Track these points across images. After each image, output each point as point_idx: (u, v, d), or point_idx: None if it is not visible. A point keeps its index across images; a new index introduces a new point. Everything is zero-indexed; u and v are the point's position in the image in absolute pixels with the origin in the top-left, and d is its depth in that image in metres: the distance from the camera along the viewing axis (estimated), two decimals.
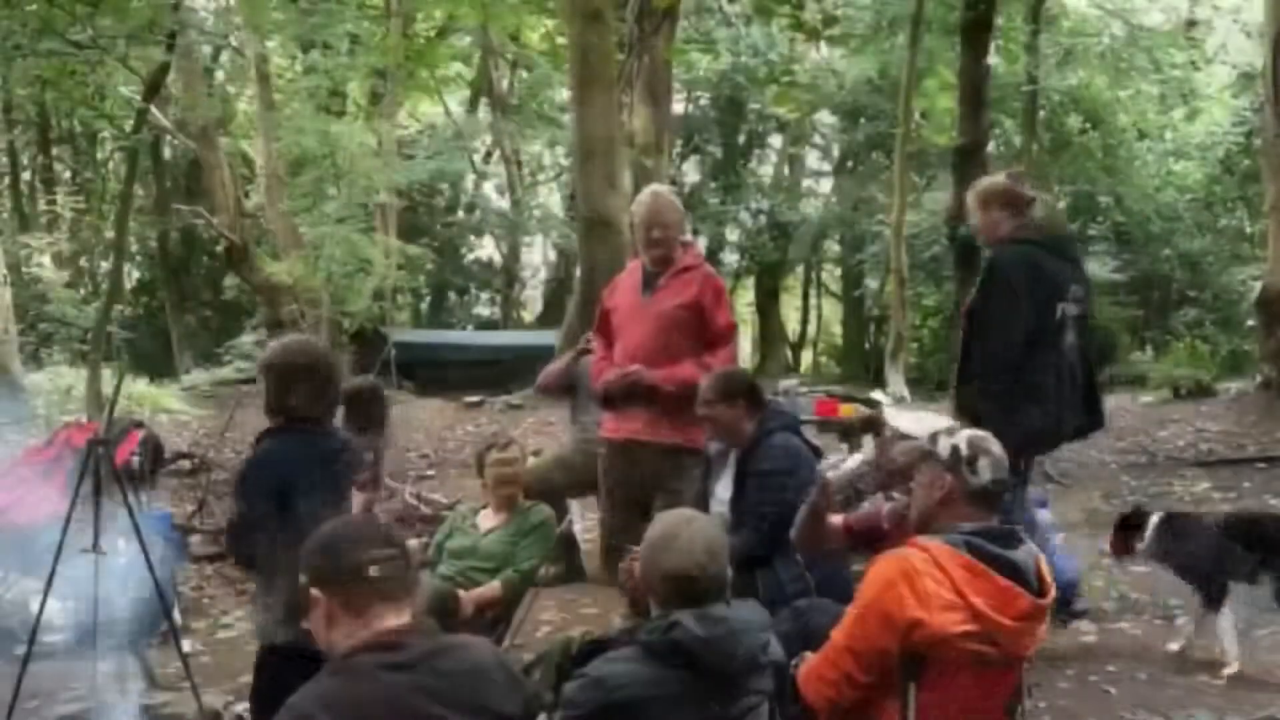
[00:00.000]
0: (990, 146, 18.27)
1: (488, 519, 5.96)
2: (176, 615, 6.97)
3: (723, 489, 5.56)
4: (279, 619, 4.02)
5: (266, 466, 4.18)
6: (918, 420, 4.71)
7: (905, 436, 4.67)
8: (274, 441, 4.27)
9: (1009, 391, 5.49)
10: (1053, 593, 3.46)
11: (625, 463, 5.93)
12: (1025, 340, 5.55)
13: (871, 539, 3.94)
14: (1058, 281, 5.73)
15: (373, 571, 2.73)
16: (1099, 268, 24.92)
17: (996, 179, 6.16)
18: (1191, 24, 25.70)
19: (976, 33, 12.40)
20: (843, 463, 4.93)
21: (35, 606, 4.73)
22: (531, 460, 7.33)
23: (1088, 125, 28.38)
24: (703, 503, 5.38)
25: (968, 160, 12.16)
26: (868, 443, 4.88)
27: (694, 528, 3.26)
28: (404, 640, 2.70)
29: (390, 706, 2.58)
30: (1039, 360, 5.58)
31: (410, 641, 2.70)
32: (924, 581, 3.28)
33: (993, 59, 18.26)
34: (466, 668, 2.73)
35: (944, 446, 3.56)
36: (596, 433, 6.47)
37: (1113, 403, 17.67)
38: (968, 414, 5.20)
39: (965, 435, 3.57)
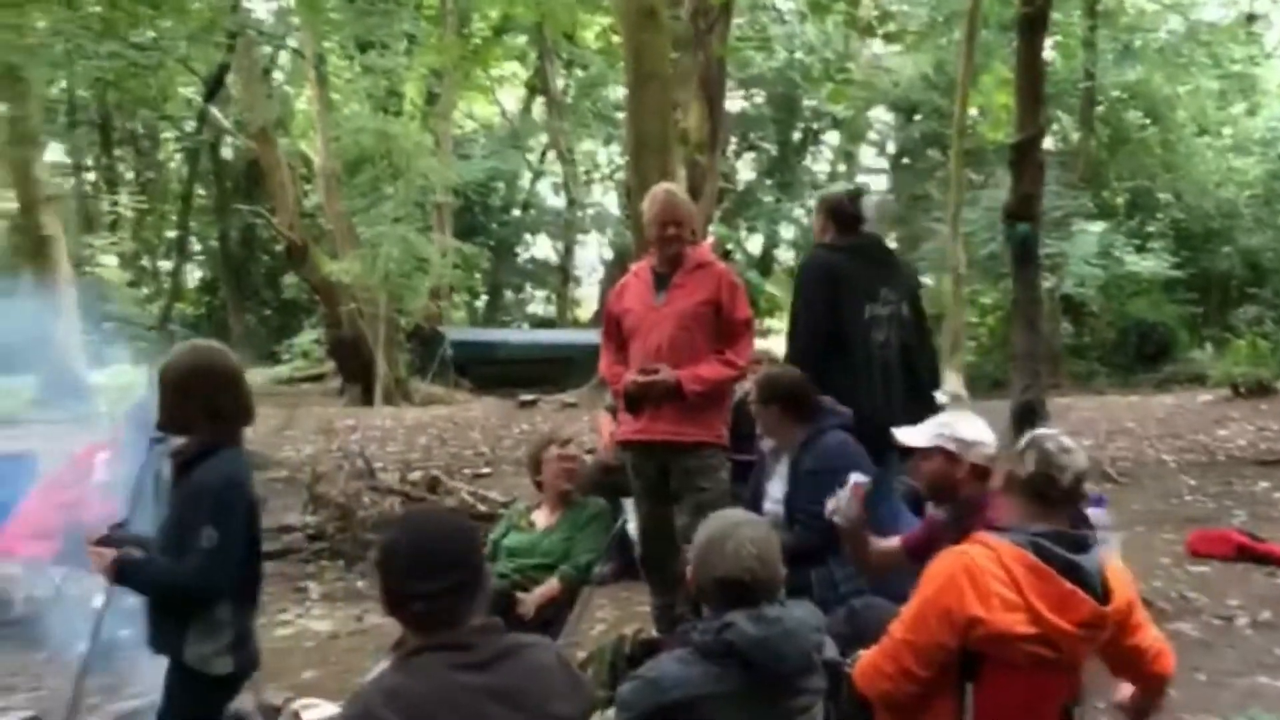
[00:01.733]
0: (1047, 142, 18.12)
1: (543, 516, 5.98)
2: None
3: (776, 487, 5.56)
4: (223, 648, 3.80)
5: (238, 485, 3.84)
6: (926, 430, 4.66)
7: (925, 450, 4.62)
8: (232, 457, 3.89)
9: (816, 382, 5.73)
10: (1119, 599, 3.43)
11: (651, 464, 5.91)
12: (826, 340, 5.91)
13: (931, 552, 3.92)
14: (861, 284, 6.04)
15: (417, 607, 2.73)
16: (1156, 264, 24.68)
17: (833, 191, 6.84)
18: (1251, 18, 25.36)
19: (1033, 28, 12.27)
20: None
21: (97, 604, 4.78)
22: (586, 459, 7.35)
23: (1146, 121, 28.12)
24: (736, 501, 5.37)
25: (1025, 157, 12.02)
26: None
27: (744, 531, 3.25)
28: (474, 640, 2.71)
29: (455, 706, 2.60)
30: (844, 359, 5.90)
31: (480, 642, 2.72)
32: (985, 579, 3.27)
33: (1050, 54, 18.14)
34: (532, 670, 2.75)
35: (1022, 439, 3.58)
36: None
37: (1171, 401, 17.61)
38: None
39: (1039, 431, 3.58)
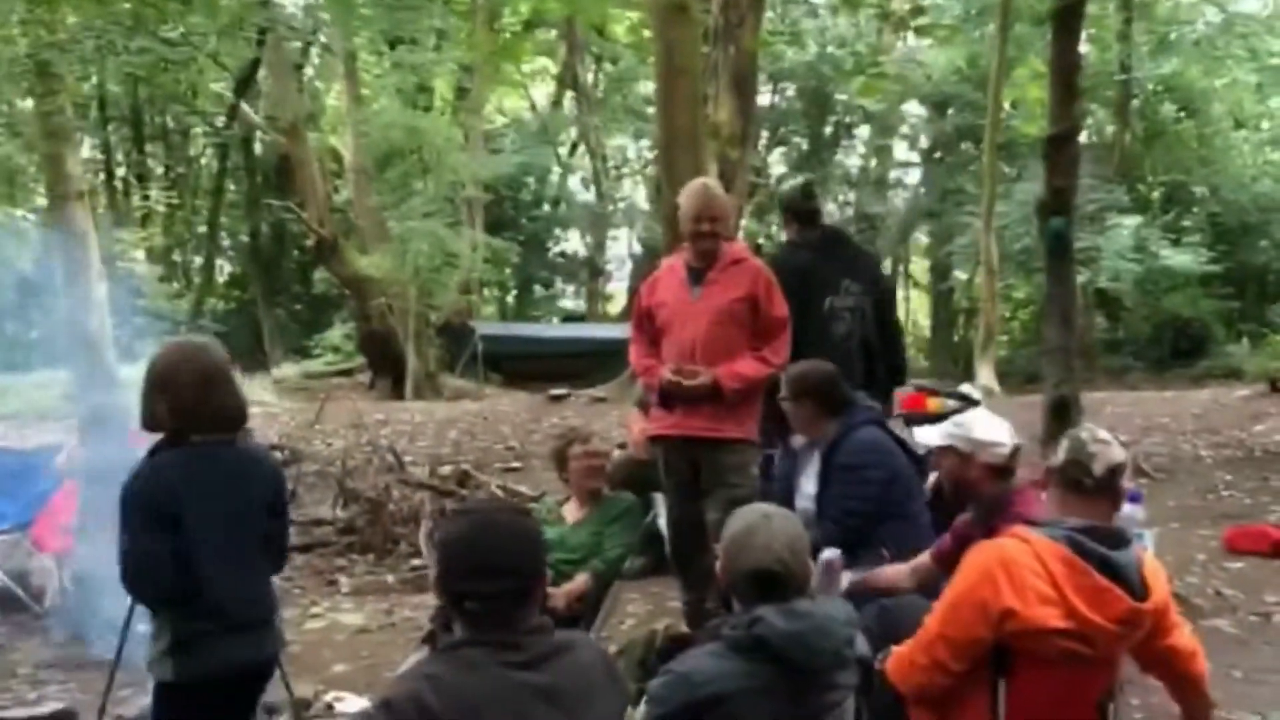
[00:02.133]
0: (1082, 136, 18.00)
1: (572, 511, 5.96)
2: None
3: (808, 483, 5.53)
4: (161, 652, 3.76)
5: (145, 492, 3.74)
6: (940, 429, 4.66)
7: (942, 449, 4.62)
8: (161, 461, 3.82)
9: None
10: (1156, 597, 3.39)
11: (683, 460, 5.88)
12: (794, 331, 5.96)
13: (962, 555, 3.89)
14: (825, 278, 6.38)
15: (471, 606, 2.72)
16: (1192, 259, 24.51)
17: (787, 188, 7.18)
18: None
19: (1068, 20, 12.15)
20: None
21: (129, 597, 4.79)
22: (616, 453, 7.33)
23: (1182, 114, 27.93)
24: (764, 497, 5.33)
25: (1059, 150, 11.91)
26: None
27: (773, 524, 3.23)
28: (523, 641, 2.70)
29: (500, 701, 2.59)
30: (805, 351, 5.96)
31: (530, 642, 2.70)
32: (1021, 572, 3.25)
33: (1084, 47, 18.03)
34: (577, 670, 2.74)
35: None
36: None
37: (1207, 396, 17.47)
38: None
39: (1081, 427, 3.55)
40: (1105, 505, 3.48)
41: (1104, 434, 3.52)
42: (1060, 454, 3.48)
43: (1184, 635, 3.60)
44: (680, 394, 5.72)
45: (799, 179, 7.07)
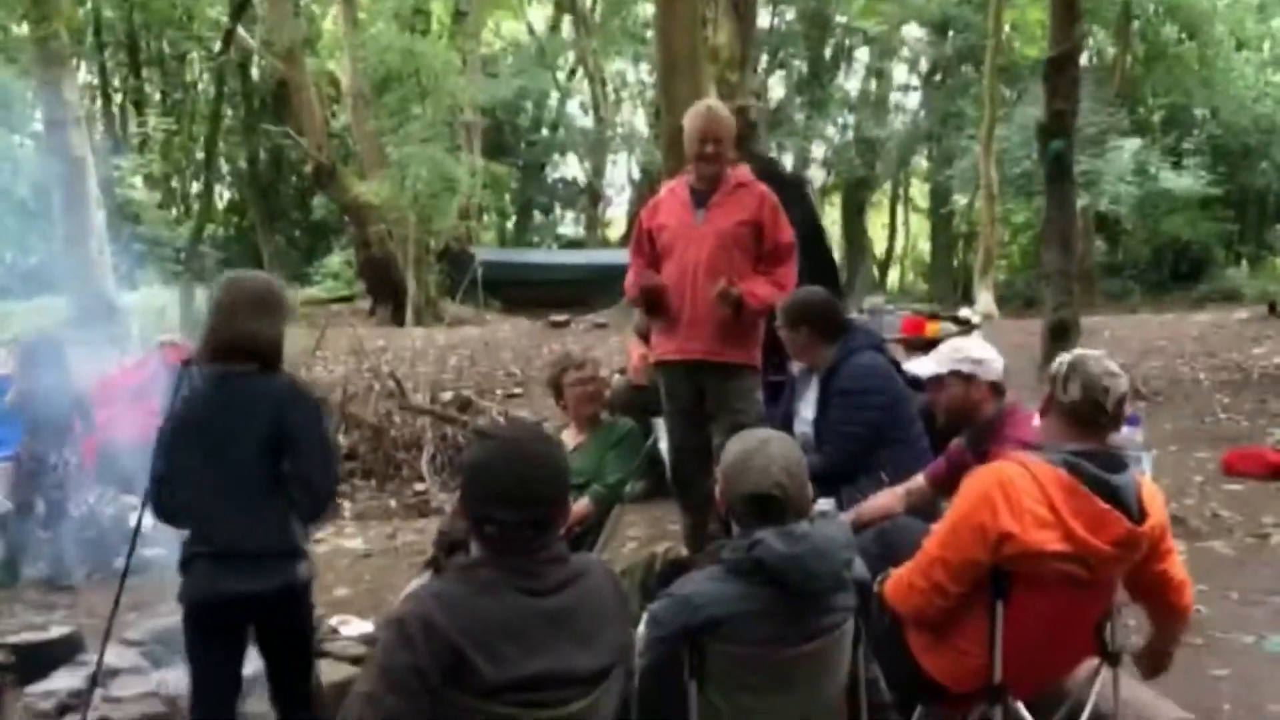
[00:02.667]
0: (1082, 58, 17.86)
1: (571, 437, 5.98)
2: None
3: (807, 409, 5.54)
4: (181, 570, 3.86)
5: (167, 417, 3.92)
6: (938, 356, 4.67)
7: (941, 377, 4.62)
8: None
9: None
10: (1154, 519, 3.41)
11: (687, 385, 5.89)
12: None
13: (956, 480, 3.91)
14: None
15: (491, 530, 2.72)
16: (1192, 181, 24.41)
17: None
18: None
19: None
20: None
21: (133, 521, 4.82)
22: (616, 379, 7.34)
23: (1183, 35, 27.71)
24: (767, 421, 5.34)
25: (1059, 72, 11.85)
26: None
27: (771, 448, 3.23)
28: (540, 569, 2.70)
29: (510, 626, 2.60)
30: None
31: (546, 571, 2.71)
32: (1019, 495, 3.26)
33: None
34: (590, 597, 2.75)
35: (1057, 361, 3.54)
36: None
37: (1206, 319, 17.48)
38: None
39: (1077, 355, 3.53)
40: (1108, 431, 3.49)
41: (1112, 365, 3.51)
42: (1073, 391, 3.44)
43: (1177, 564, 3.61)
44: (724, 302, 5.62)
45: (740, 103, 7.03)
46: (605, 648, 2.75)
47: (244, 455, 3.79)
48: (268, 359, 3.87)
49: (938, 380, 4.58)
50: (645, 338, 7.39)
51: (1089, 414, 3.42)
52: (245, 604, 3.79)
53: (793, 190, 6.82)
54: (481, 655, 2.54)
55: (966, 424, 4.55)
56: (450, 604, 2.59)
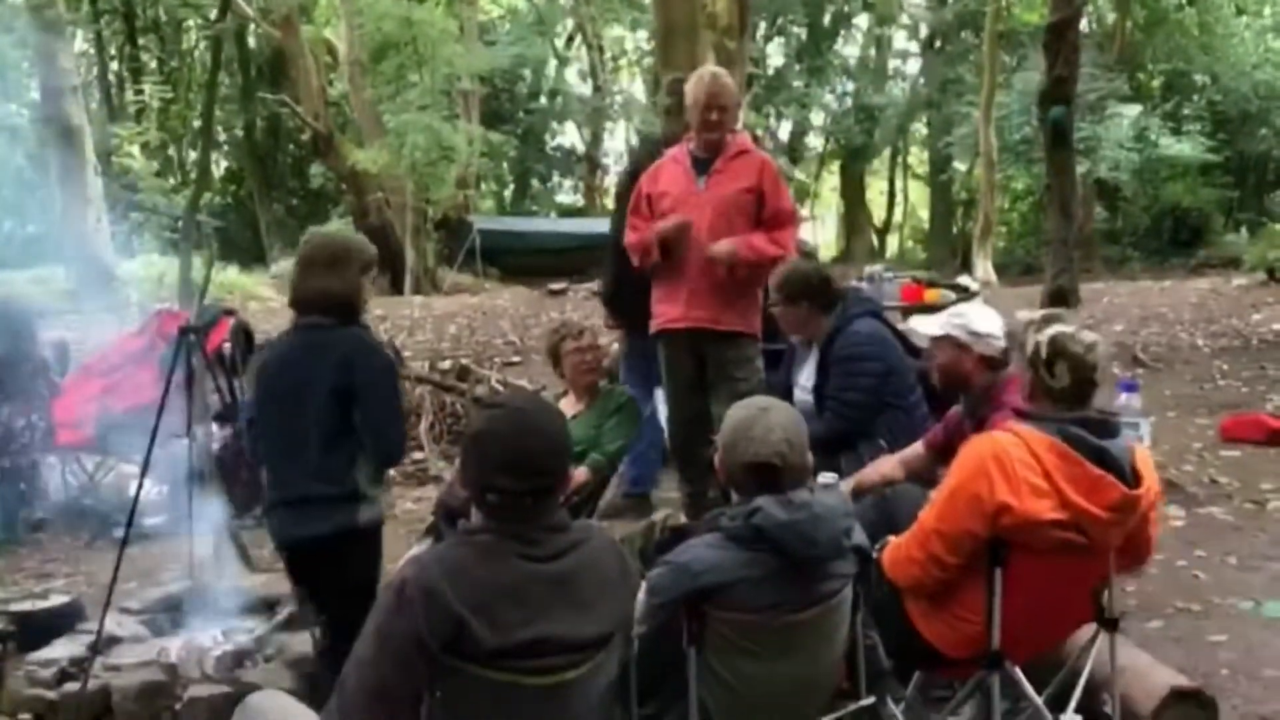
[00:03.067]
0: (1082, 24, 17.80)
1: (570, 405, 5.98)
2: None
3: (805, 377, 5.55)
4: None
5: (254, 366, 4.40)
6: (938, 320, 4.67)
7: (937, 339, 4.63)
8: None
9: (624, 275, 6.26)
10: (1148, 484, 3.41)
11: (687, 354, 5.89)
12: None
13: (953, 445, 3.91)
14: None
15: (493, 499, 2.71)
16: (1192, 148, 24.35)
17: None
18: None
19: None
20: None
21: (132, 490, 4.83)
22: (615, 348, 7.33)
23: (1184, 1, 27.57)
24: (768, 389, 5.34)
25: (1059, 38, 11.82)
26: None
27: (771, 416, 3.23)
28: (541, 537, 2.70)
29: (512, 592, 2.60)
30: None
31: (547, 539, 2.71)
32: (1014, 465, 3.25)
33: None
34: (592, 564, 2.75)
35: (1029, 343, 3.51)
36: None
37: (1205, 286, 17.47)
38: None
39: (1050, 334, 3.49)
40: (1087, 397, 3.49)
41: (1084, 334, 3.49)
42: (1060, 374, 3.41)
43: (1155, 527, 3.62)
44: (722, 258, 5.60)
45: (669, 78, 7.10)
46: (607, 615, 2.75)
47: (314, 404, 3.98)
48: (343, 313, 4.05)
49: (936, 340, 4.59)
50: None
51: (1080, 391, 3.42)
52: (308, 549, 4.00)
53: None
54: (482, 621, 2.54)
55: (959, 389, 4.57)
56: (452, 570, 2.59)
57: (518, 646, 2.57)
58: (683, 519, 4.95)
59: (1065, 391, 3.42)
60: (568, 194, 37.70)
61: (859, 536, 3.29)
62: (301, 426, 3.97)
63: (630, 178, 6.46)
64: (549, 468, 2.72)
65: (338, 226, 27.15)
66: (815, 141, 38.99)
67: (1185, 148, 24.68)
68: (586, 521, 3.05)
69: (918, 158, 39.56)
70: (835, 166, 39.08)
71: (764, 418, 3.20)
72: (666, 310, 5.88)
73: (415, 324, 15.37)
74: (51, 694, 4.35)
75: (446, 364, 11.09)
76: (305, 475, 3.98)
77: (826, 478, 4.42)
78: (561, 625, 2.64)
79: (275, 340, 4.25)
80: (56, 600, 5.22)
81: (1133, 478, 3.37)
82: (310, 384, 3.98)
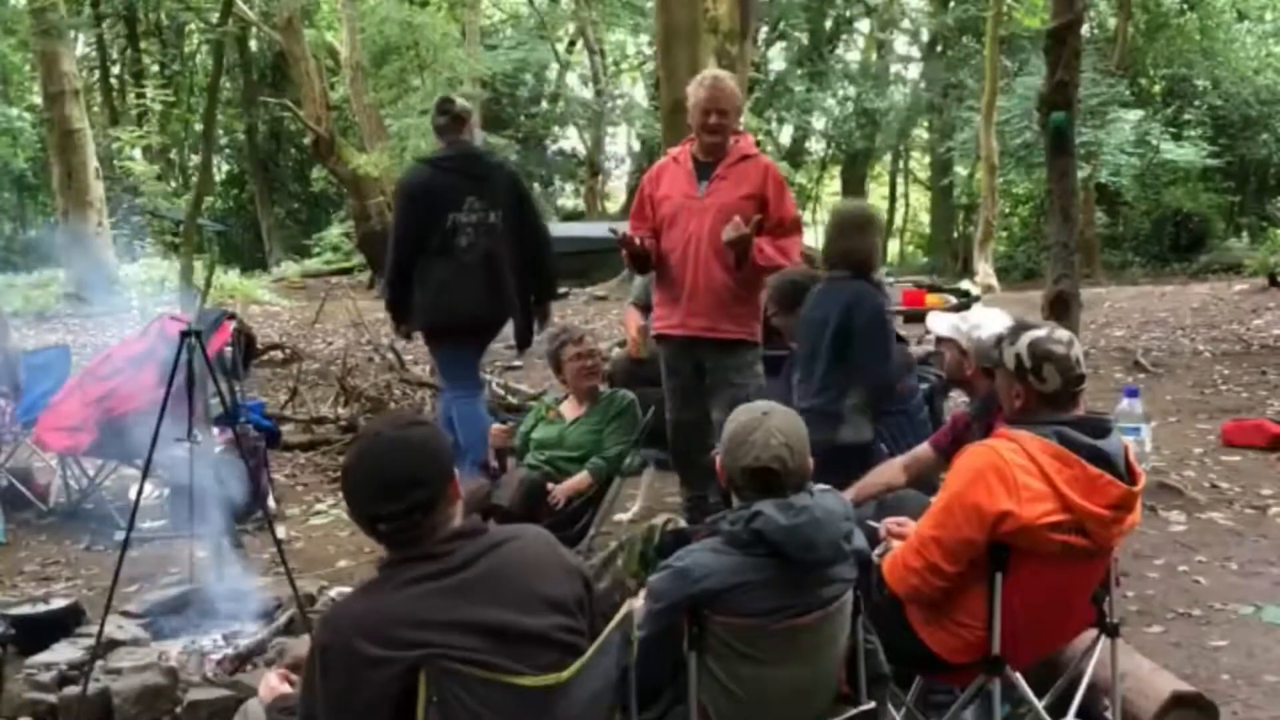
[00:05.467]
0: (1084, 29, 17.80)
1: (571, 409, 5.99)
2: (271, 503, 7.12)
3: None
4: None
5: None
6: (949, 320, 4.72)
7: (943, 339, 4.68)
8: None
9: (402, 285, 6.70)
10: (1143, 481, 3.42)
11: (686, 360, 5.89)
12: (413, 245, 6.60)
13: (960, 445, 3.91)
14: (447, 195, 6.58)
15: (382, 528, 2.68)
16: (1193, 153, 24.35)
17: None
18: None
19: None
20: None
21: (133, 493, 4.83)
22: (615, 352, 7.34)
23: (1184, 6, 27.58)
24: (767, 395, 5.34)
25: (1061, 43, 11.78)
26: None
27: (772, 420, 3.23)
28: (445, 549, 2.67)
29: (423, 622, 2.56)
30: (430, 261, 6.57)
31: (453, 548, 2.67)
32: (1013, 472, 3.26)
33: None
34: (512, 559, 2.72)
35: (1009, 357, 3.51)
36: None
37: (1206, 290, 17.47)
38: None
39: (1026, 342, 3.49)
40: (1077, 399, 3.51)
41: (1057, 333, 3.51)
42: (1050, 378, 3.42)
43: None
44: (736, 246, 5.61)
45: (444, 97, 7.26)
46: (548, 601, 2.71)
47: None
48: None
49: (943, 338, 4.67)
50: (644, 309, 7.40)
51: (1069, 392, 3.44)
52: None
53: (504, 177, 6.92)
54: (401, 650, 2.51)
55: (963, 390, 4.63)
56: (360, 621, 2.57)
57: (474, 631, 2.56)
58: (683, 523, 4.95)
59: (1058, 393, 3.44)
60: (569, 198, 37.69)
61: (859, 541, 3.29)
62: None
63: None
64: (422, 479, 2.66)
65: (339, 231, 27.23)
66: (816, 146, 39.00)
67: (1186, 153, 24.68)
68: (520, 526, 3.00)
69: (919, 162, 39.58)
70: (836, 171, 39.08)
71: (765, 423, 3.20)
72: (667, 315, 5.89)
73: None
74: (52, 697, 4.35)
75: None
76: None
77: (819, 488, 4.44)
78: (499, 617, 2.61)
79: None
80: (57, 604, 5.22)
81: (1129, 474, 3.39)
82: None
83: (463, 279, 6.55)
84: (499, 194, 6.67)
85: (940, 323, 4.74)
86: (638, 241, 5.82)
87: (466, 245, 6.56)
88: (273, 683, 2.99)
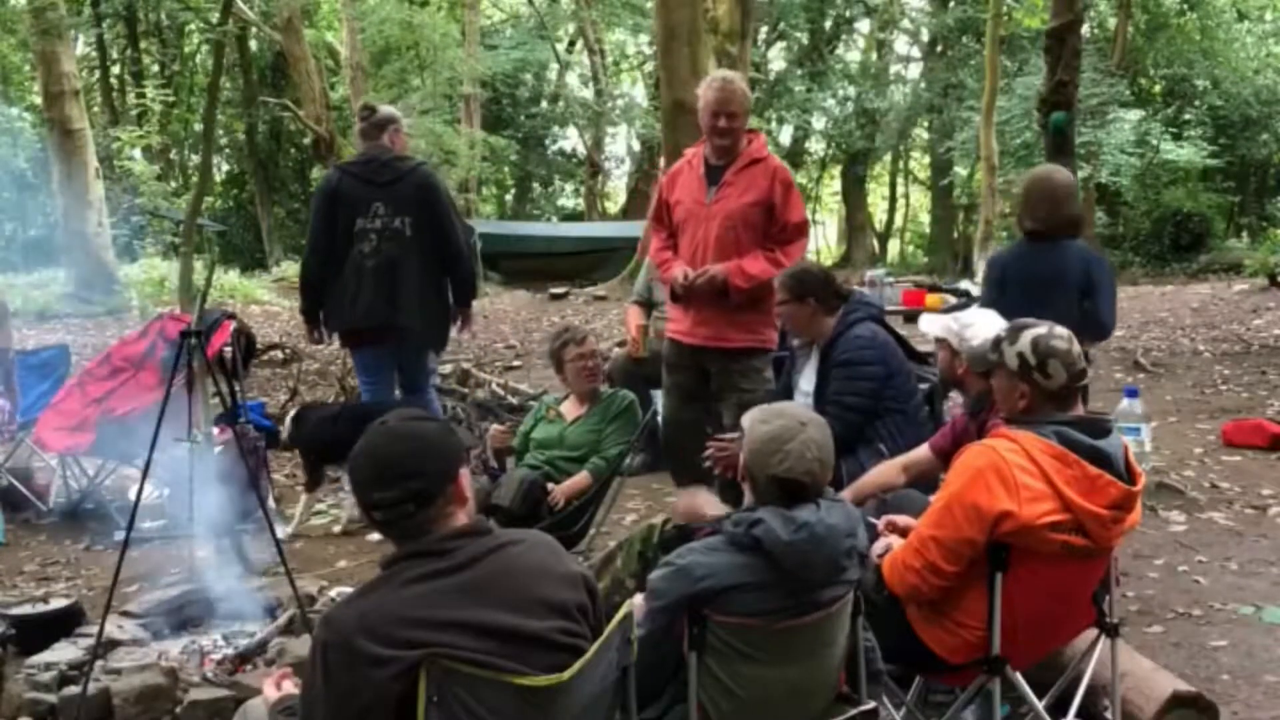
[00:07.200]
0: (1084, 28, 17.81)
1: (571, 409, 5.99)
2: (270, 503, 7.11)
3: (806, 381, 5.54)
4: None
5: None
6: (941, 320, 4.72)
7: (940, 340, 4.68)
8: None
9: (317, 288, 6.85)
10: (1143, 480, 3.42)
11: (694, 366, 5.89)
12: (323, 250, 6.73)
13: (960, 446, 3.91)
14: (354, 201, 6.66)
15: (378, 515, 2.72)
16: (1193, 153, 24.35)
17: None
18: None
19: None
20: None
21: (133, 494, 4.83)
22: (616, 351, 7.34)
23: (1184, 6, 27.58)
24: (776, 398, 5.34)
25: (1061, 43, 11.83)
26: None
27: (809, 433, 3.19)
28: (448, 546, 2.68)
29: (423, 617, 2.56)
30: (335, 267, 6.69)
31: (457, 546, 2.69)
32: (1012, 472, 3.26)
33: None
34: (515, 564, 2.72)
35: (1010, 357, 3.50)
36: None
37: (1206, 290, 17.48)
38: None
39: (1029, 340, 3.49)
40: (1079, 398, 3.51)
41: (1060, 329, 3.51)
42: (1055, 374, 3.42)
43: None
44: (688, 294, 5.70)
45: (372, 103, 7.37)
46: (550, 606, 2.71)
47: None
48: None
49: (936, 341, 4.68)
50: (645, 307, 7.41)
51: (1072, 388, 3.44)
52: None
53: (417, 183, 6.83)
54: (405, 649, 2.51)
55: (957, 389, 4.64)
56: (364, 618, 2.56)
57: (474, 632, 2.56)
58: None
59: (1062, 389, 3.43)
60: (569, 198, 37.72)
61: (861, 540, 3.28)
62: None
63: None
64: (419, 470, 2.68)
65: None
66: (817, 146, 39.02)
67: (1186, 153, 24.69)
68: (524, 530, 2.99)
69: (919, 162, 39.58)
70: (836, 171, 39.09)
71: (802, 433, 3.16)
72: (676, 320, 5.93)
73: None
74: (52, 697, 4.35)
75: (447, 368, 11.10)
76: None
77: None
78: (494, 619, 2.60)
79: None
80: (57, 604, 5.22)
81: (1129, 474, 3.39)
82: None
83: (361, 284, 6.62)
84: (408, 200, 6.67)
85: (932, 324, 4.74)
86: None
87: (369, 251, 6.62)
88: (273, 686, 3.00)
